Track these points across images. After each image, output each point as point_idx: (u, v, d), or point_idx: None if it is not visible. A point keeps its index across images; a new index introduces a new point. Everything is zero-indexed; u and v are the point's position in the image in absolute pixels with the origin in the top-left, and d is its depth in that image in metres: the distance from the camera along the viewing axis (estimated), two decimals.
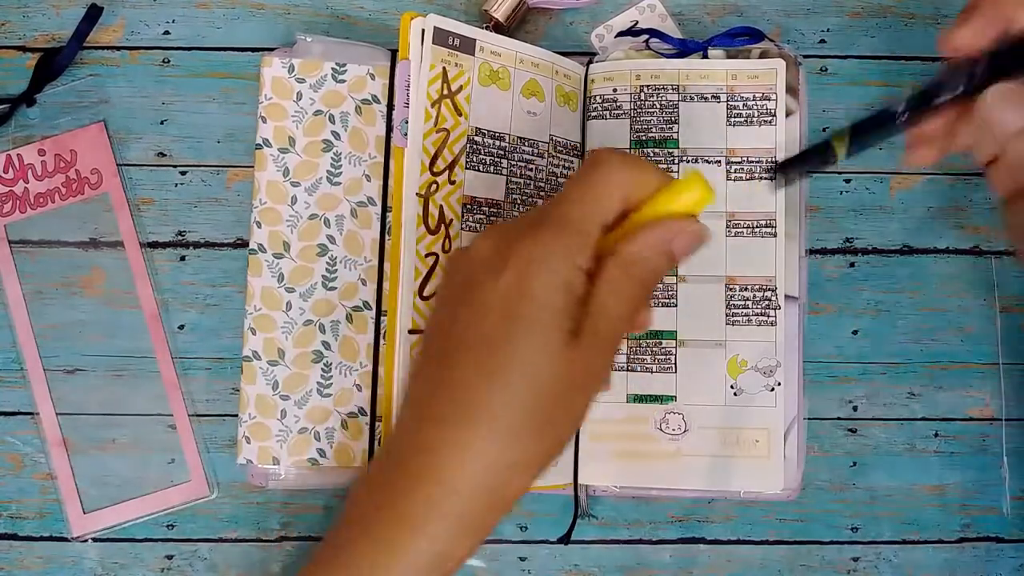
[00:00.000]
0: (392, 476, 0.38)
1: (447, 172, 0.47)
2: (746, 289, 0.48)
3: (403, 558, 0.36)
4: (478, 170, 0.47)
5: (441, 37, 0.46)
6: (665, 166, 0.49)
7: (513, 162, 0.48)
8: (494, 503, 0.37)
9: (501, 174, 0.48)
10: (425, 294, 0.46)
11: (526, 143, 0.49)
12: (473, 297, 0.37)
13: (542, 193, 0.49)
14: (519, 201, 0.48)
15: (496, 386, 0.35)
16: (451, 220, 0.47)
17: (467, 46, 0.47)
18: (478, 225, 0.47)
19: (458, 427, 0.36)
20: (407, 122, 0.46)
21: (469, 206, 0.47)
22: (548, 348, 0.35)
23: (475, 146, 0.47)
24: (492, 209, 0.48)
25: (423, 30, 0.46)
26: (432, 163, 0.46)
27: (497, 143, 0.48)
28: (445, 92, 0.47)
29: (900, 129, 0.40)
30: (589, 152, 0.39)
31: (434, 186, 0.46)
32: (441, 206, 0.46)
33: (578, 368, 0.36)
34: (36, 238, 0.49)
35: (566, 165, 0.50)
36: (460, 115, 0.47)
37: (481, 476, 0.36)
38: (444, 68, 0.46)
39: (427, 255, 0.46)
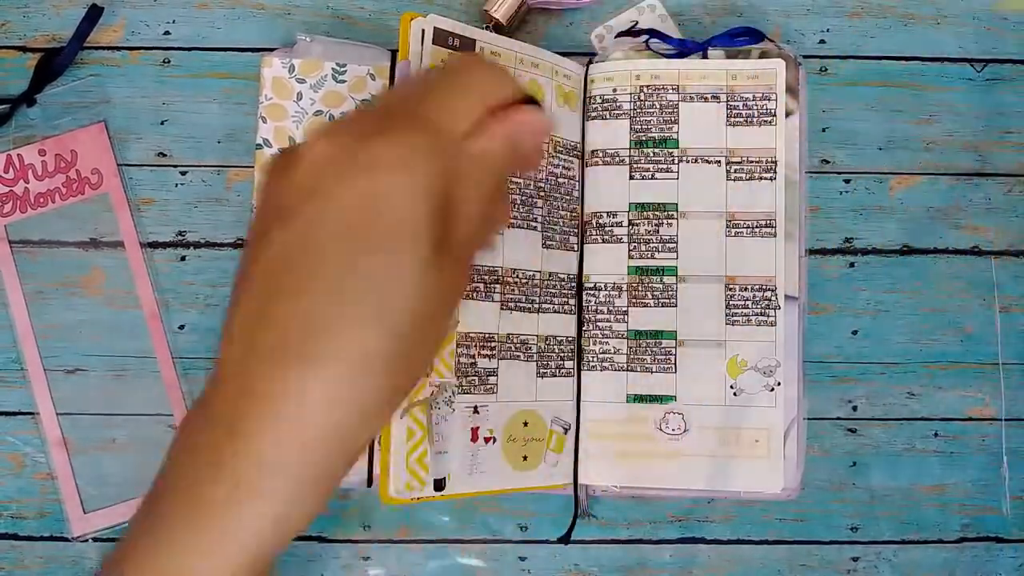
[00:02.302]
0: (217, 430, 0.31)
1: None
2: (746, 289, 0.48)
3: (238, 524, 0.30)
4: None
5: (441, 38, 0.47)
6: (665, 166, 0.50)
7: None
8: (343, 453, 0.31)
9: None
10: None
11: None
12: (316, 206, 0.31)
13: (542, 193, 0.49)
14: (519, 201, 0.48)
15: (350, 314, 0.30)
16: None
17: (467, 46, 0.47)
18: None
19: (298, 365, 0.30)
20: None
21: None
22: (413, 266, 0.30)
23: None
24: None
25: (423, 31, 0.46)
26: None
27: None
28: None
29: None
30: (451, 56, 0.36)
31: None
32: None
33: (443, 285, 0.31)
34: (36, 238, 0.49)
35: (566, 165, 0.50)
36: None
37: (327, 424, 0.30)
38: None
39: None
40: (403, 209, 0.30)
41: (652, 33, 0.51)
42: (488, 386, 0.47)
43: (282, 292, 0.30)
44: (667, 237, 0.49)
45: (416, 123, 0.32)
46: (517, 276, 0.48)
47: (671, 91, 0.50)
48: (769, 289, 0.48)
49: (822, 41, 0.52)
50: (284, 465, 0.30)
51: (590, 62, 0.51)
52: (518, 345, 0.48)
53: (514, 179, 0.48)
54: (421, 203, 0.30)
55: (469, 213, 0.32)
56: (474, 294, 0.47)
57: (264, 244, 0.31)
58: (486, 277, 0.47)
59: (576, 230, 0.50)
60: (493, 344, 0.47)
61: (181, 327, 0.50)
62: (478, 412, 0.47)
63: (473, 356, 0.47)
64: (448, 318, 0.33)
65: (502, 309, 0.48)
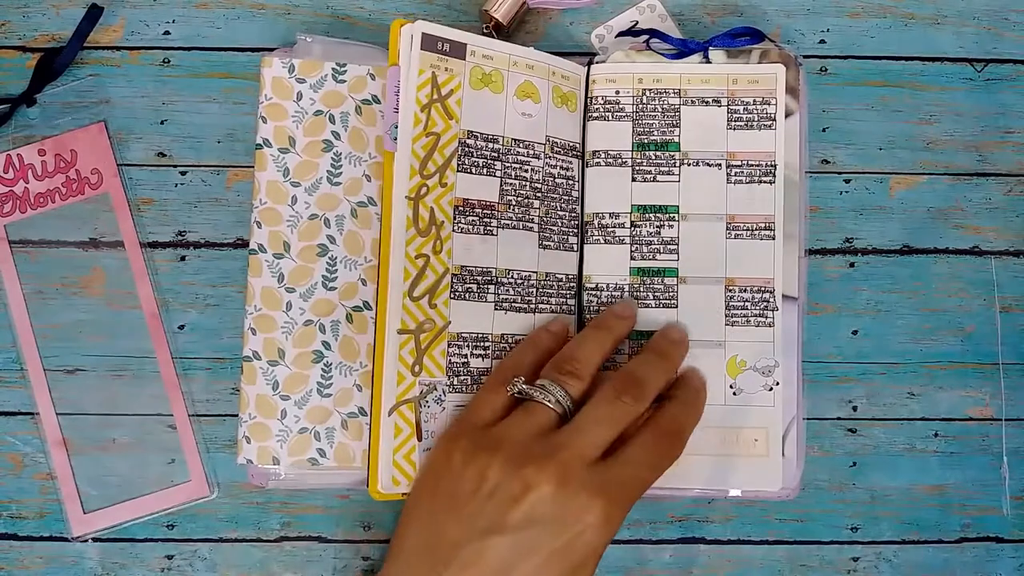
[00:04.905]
0: None
1: (438, 175, 0.46)
2: (745, 290, 0.48)
3: None
4: (470, 172, 0.47)
5: (429, 43, 0.46)
6: (666, 169, 0.50)
7: (507, 164, 0.48)
8: None
9: (495, 176, 0.48)
10: (415, 294, 0.46)
11: (521, 145, 0.49)
12: (467, 512, 0.41)
13: (539, 194, 0.49)
14: (514, 202, 0.48)
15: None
16: (442, 222, 0.46)
17: (457, 51, 0.47)
18: (470, 227, 0.47)
19: None
20: (396, 127, 0.46)
21: (461, 208, 0.47)
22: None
23: (467, 149, 0.47)
24: (485, 211, 0.48)
25: (411, 36, 0.46)
26: (422, 167, 0.46)
27: (491, 145, 0.48)
28: (435, 96, 0.46)
29: None
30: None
31: (424, 189, 0.46)
32: (432, 208, 0.46)
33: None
34: (36, 238, 0.49)
35: (564, 165, 0.50)
36: (451, 119, 0.47)
37: None
38: (433, 73, 0.46)
39: (416, 257, 0.46)
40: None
41: (652, 33, 0.51)
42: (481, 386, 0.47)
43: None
44: (668, 239, 0.49)
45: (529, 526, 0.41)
46: (512, 276, 0.48)
47: (673, 95, 0.50)
48: (767, 290, 0.48)
49: (822, 41, 0.52)
50: None
51: (591, 62, 0.51)
52: (513, 345, 0.48)
53: (508, 180, 0.48)
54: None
55: (634, 469, 0.44)
56: (467, 295, 0.47)
57: (422, 524, 0.43)
58: (479, 278, 0.47)
59: (575, 230, 0.50)
60: (487, 344, 0.47)
61: (181, 327, 0.50)
62: None
63: (466, 356, 0.47)
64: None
65: (496, 310, 0.48)
